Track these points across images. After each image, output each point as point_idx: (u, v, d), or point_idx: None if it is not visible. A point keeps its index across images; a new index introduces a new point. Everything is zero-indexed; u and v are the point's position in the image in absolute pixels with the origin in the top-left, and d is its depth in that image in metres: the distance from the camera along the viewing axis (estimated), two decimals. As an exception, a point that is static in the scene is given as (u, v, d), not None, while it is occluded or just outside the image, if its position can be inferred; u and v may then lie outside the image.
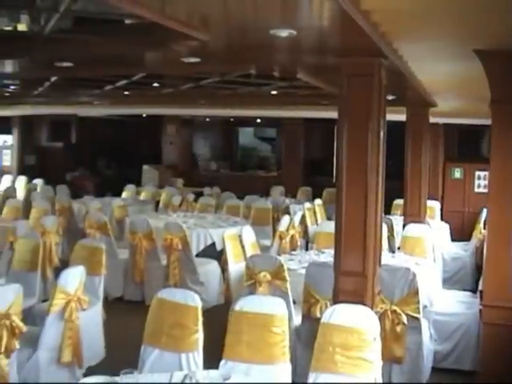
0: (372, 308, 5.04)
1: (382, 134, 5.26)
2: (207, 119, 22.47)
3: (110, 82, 10.78)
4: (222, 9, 4.16)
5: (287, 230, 10.24)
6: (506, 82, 5.58)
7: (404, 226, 9.54)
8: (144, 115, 20.30)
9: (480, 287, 7.25)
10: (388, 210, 12.25)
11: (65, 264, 7.36)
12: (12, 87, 12.21)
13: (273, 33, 4.66)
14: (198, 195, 14.96)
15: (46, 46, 6.59)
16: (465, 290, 8.84)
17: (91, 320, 6.79)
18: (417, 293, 6.11)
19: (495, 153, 5.79)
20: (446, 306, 7.40)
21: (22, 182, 17.77)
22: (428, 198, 10.75)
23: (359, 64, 5.09)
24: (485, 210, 10.82)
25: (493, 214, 5.95)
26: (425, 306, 6.67)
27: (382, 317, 5.80)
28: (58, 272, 6.69)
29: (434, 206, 13.07)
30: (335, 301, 5.19)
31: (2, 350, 5.09)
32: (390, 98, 8.52)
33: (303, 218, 11.71)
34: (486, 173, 13.14)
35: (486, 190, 14.39)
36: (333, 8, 3.74)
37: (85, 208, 12.99)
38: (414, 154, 9.96)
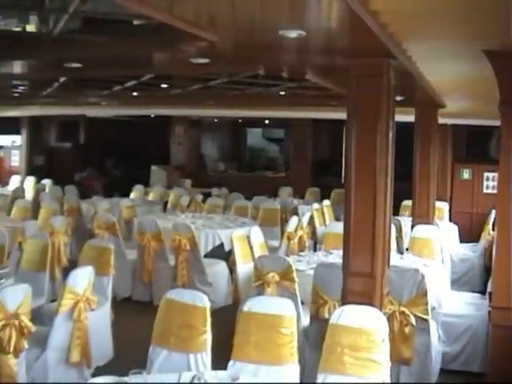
0: (380, 309, 5.03)
1: (390, 134, 5.26)
2: (215, 120, 22.45)
3: (119, 82, 10.79)
4: (231, 9, 4.17)
5: (295, 230, 10.23)
6: (515, 82, 5.57)
7: (412, 227, 9.52)
8: (152, 116, 20.30)
9: (489, 289, 7.25)
10: (396, 211, 12.20)
11: (73, 264, 7.38)
12: (21, 88, 12.24)
13: (282, 33, 4.66)
14: (206, 196, 14.95)
15: (55, 47, 6.60)
16: (473, 291, 8.81)
17: (100, 320, 6.80)
18: (425, 294, 6.09)
19: (504, 154, 5.78)
20: (454, 307, 7.38)
21: (30, 182, 17.79)
22: (436, 199, 10.72)
23: (368, 65, 5.09)
24: (493, 211, 10.81)
25: (502, 215, 5.93)
26: (433, 308, 6.65)
27: (390, 318, 5.78)
28: (66, 272, 6.71)
29: (443, 207, 13.04)
30: (344, 302, 5.19)
31: (11, 349, 5.10)
32: (398, 98, 8.50)
33: (311, 218, 11.70)
34: (495, 174, 13.12)
35: (494, 191, 14.33)
36: (342, 9, 3.74)
37: (93, 208, 13.00)
38: (423, 155, 9.94)
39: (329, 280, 6.01)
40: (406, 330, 6.05)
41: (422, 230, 9.06)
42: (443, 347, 6.95)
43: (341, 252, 5.59)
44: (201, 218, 11.69)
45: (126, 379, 3.92)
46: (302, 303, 6.60)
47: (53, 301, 7.17)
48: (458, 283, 10.04)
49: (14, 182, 18.47)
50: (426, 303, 6.12)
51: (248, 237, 8.43)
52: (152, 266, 9.54)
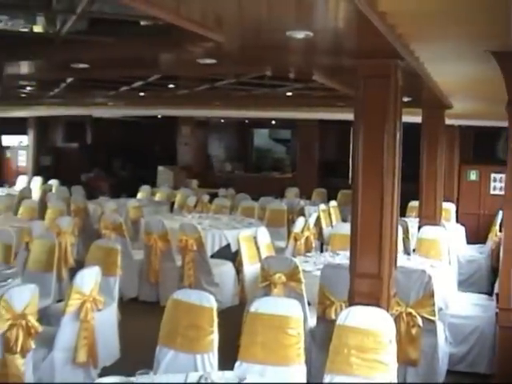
0: (387, 310, 5.02)
1: (398, 135, 5.25)
2: (222, 120, 22.46)
3: (126, 83, 10.81)
4: (238, 10, 4.16)
5: (302, 231, 10.23)
6: (522, 83, 5.56)
7: (419, 228, 9.50)
8: (159, 116, 20.33)
9: (496, 290, 7.23)
10: (403, 212, 12.19)
11: (80, 264, 7.39)
12: (28, 88, 12.27)
13: (289, 34, 4.65)
14: (213, 196, 14.96)
15: (62, 48, 6.62)
16: (480, 292, 8.79)
17: (106, 320, 6.81)
18: (432, 295, 6.08)
19: (512, 155, 5.77)
20: (461, 308, 7.36)
21: (37, 182, 17.84)
22: (443, 200, 10.70)
23: (375, 65, 5.08)
24: (500, 213, 10.79)
25: (509, 217, 5.92)
26: (440, 309, 6.63)
27: (397, 319, 5.77)
28: (73, 272, 6.72)
29: (450, 208, 13.01)
30: (351, 303, 5.18)
31: (18, 349, 5.11)
32: (405, 99, 8.49)
33: (318, 219, 11.69)
34: (502, 175, 13.09)
35: (501, 193, 14.32)
36: (349, 9, 3.73)
37: (100, 209, 13.03)
38: (430, 156, 9.93)
39: (335, 281, 6.00)
40: (413, 331, 6.04)
41: (428, 231, 9.04)
42: (450, 348, 6.93)
43: (347, 253, 5.59)
44: (207, 218, 11.69)
45: (132, 379, 3.93)
46: (309, 304, 6.59)
47: (59, 301, 7.18)
48: (464, 284, 10.02)
49: (21, 182, 18.53)
50: (433, 304, 6.11)
51: (255, 237, 8.43)
52: (159, 267, 9.55)
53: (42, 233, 8.40)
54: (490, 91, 7.52)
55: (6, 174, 21.76)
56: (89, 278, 6.08)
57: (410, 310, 6.04)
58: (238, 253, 8.53)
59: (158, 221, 9.88)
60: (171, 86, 11.26)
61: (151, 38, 5.89)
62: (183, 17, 4.40)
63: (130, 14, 5.31)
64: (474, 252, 11.32)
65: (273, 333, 4.68)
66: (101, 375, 5.96)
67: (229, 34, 5.05)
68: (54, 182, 17.48)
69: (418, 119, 10.04)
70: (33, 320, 5.20)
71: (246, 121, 22.55)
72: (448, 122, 11.11)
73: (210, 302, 4.83)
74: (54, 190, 16.50)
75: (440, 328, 6.46)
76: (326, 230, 11.84)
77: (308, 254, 8.67)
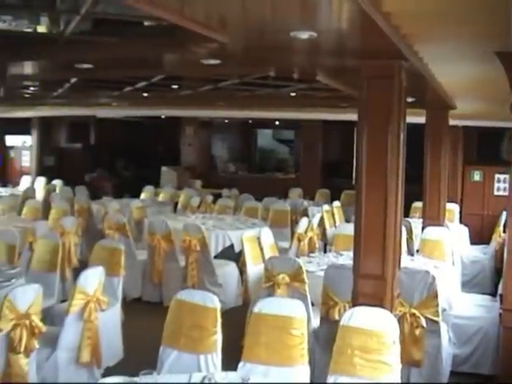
0: (391, 311, 5.02)
1: (401, 136, 5.25)
2: (226, 121, 22.45)
3: (129, 83, 10.81)
4: (242, 10, 4.16)
5: (305, 232, 10.23)
6: (527, 84, 5.55)
7: (423, 229, 9.50)
8: (163, 117, 20.33)
9: (500, 291, 7.22)
10: (407, 213, 12.18)
11: (84, 265, 7.40)
12: (32, 89, 12.27)
13: (293, 35, 4.64)
14: (217, 197, 14.95)
15: (66, 48, 6.62)
16: (484, 293, 8.78)
17: (110, 320, 6.81)
18: (436, 296, 6.08)
19: (516, 155, 5.76)
20: (465, 309, 7.36)
21: (41, 182, 17.86)
22: (447, 201, 10.69)
23: (379, 66, 5.08)
24: (504, 213, 10.78)
25: (513, 217, 5.91)
26: (444, 310, 6.63)
27: (400, 320, 5.77)
28: (76, 272, 6.74)
29: (453, 208, 12.99)
30: (354, 303, 5.18)
31: (22, 349, 5.12)
32: (409, 100, 8.48)
33: (321, 220, 11.68)
34: (506, 176, 13.06)
35: (505, 193, 14.30)
36: (353, 10, 3.73)
37: (103, 209, 13.05)
38: (433, 157, 9.92)
39: (339, 281, 6.00)
40: (417, 331, 6.03)
41: (432, 232, 9.04)
42: (454, 349, 6.94)
43: (351, 253, 5.59)
44: (211, 218, 11.70)
45: (136, 379, 3.93)
46: (313, 304, 6.59)
47: (63, 301, 7.19)
48: (468, 285, 10.02)
49: (25, 182, 18.57)
50: (437, 305, 6.10)
51: (258, 238, 8.43)
52: (162, 267, 9.56)
53: (46, 233, 8.41)
54: (494, 92, 7.51)
55: (9, 174, 21.81)
56: (92, 278, 6.09)
57: (413, 310, 6.03)
58: (241, 253, 8.52)
59: (161, 221, 9.88)
60: (175, 86, 11.25)
61: (155, 38, 5.89)
62: (187, 17, 4.40)
63: (133, 14, 5.31)
64: (477, 253, 11.31)
65: (276, 333, 4.68)
66: (104, 375, 5.96)
67: (233, 34, 5.05)
68: (57, 182, 17.50)
69: (421, 120, 10.02)
70: (36, 320, 5.21)
71: (250, 121, 22.54)
72: (452, 122, 11.10)
73: (213, 302, 4.83)
74: (57, 190, 16.53)
75: (444, 329, 6.45)
76: (330, 231, 11.84)
77: (311, 255, 8.68)
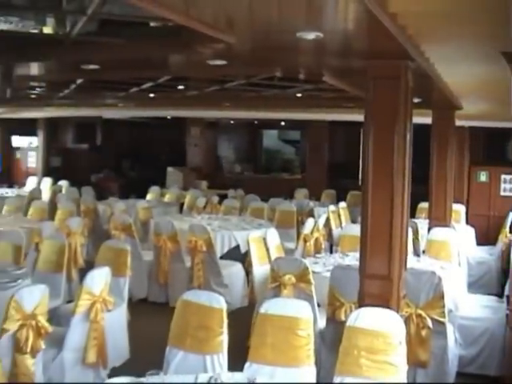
0: (397, 312, 5.01)
1: (408, 136, 5.24)
2: (231, 121, 22.45)
3: (136, 84, 10.81)
4: (248, 11, 4.16)
5: (311, 232, 10.22)
6: (533, 84, 5.54)
7: (429, 230, 9.49)
8: (169, 117, 20.34)
9: (506, 292, 7.21)
10: (413, 213, 12.16)
11: (90, 265, 7.40)
12: (38, 89, 12.28)
13: (299, 35, 4.64)
14: (223, 197, 14.95)
15: (72, 49, 6.62)
16: (490, 294, 8.76)
17: (116, 321, 6.82)
18: (442, 297, 6.07)
19: (523, 156, 5.74)
20: (471, 310, 7.35)
21: (47, 183, 17.88)
22: (453, 202, 10.68)
23: (386, 66, 5.08)
24: (511, 214, 10.77)
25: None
26: (450, 311, 6.61)
27: (407, 321, 5.76)
28: (83, 273, 6.74)
29: (460, 209, 12.95)
30: (360, 304, 5.18)
31: (28, 349, 5.13)
32: (415, 100, 8.47)
33: (327, 220, 11.68)
34: (512, 176, 13.08)
35: (511, 194, 14.33)
36: (360, 10, 3.72)
37: (110, 209, 13.06)
38: (440, 157, 9.90)
39: (345, 282, 5.99)
40: (423, 332, 6.02)
41: (438, 233, 9.03)
42: (460, 350, 6.92)
43: (357, 254, 5.59)
44: (217, 219, 11.71)
45: (142, 380, 3.93)
46: (319, 305, 6.58)
47: (69, 302, 7.20)
48: (474, 286, 9.99)
49: (31, 183, 18.59)
50: (443, 306, 6.09)
51: (264, 238, 8.42)
52: (168, 268, 9.57)
53: (52, 233, 8.42)
54: (500, 92, 7.49)
55: (15, 174, 21.84)
56: (99, 279, 6.10)
57: (419, 311, 6.02)
58: (247, 254, 8.52)
59: (167, 222, 9.89)
60: (181, 87, 11.24)
61: (161, 39, 5.88)
62: (193, 18, 4.39)
63: (139, 15, 5.31)
64: (483, 253, 11.28)
65: (282, 334, 4.68)
66: (110, 376, 5.97)
67: (239, 35, 5.04)
68: (63, 183, 17.52)
69: (428, 120, 10.01)
70: (43, 320, 5.21)
71: (256, 122, 22.53)
72: (458, 123, 11.09)
73: (219, 302, 4.83)
74: (63, 191, 16.54)
75: (450, 330, 6.44)
76: (336, 231, 11.84)
77: (317, 255, 8.67)
